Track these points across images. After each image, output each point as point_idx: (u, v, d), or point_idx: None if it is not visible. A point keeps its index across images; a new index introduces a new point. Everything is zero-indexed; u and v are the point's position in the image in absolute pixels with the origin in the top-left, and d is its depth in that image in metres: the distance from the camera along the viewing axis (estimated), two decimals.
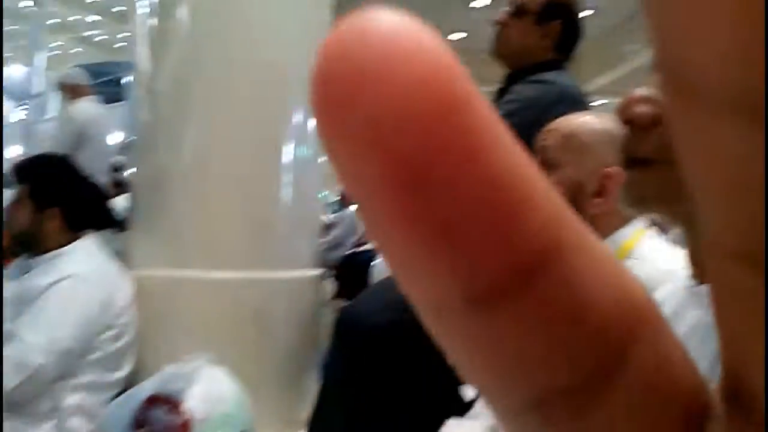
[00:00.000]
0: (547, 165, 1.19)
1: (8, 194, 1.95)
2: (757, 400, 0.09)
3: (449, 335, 0.10)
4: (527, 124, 1.57)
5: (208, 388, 1.72)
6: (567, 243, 0.10)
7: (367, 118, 0.09)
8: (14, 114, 10.97)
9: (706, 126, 0.08)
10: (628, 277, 0.11)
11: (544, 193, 0.10)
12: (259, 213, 2.27)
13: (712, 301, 0.10)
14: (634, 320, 0.11)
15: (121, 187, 3.96)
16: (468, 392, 2.09)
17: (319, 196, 2.66)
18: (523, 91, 1.78)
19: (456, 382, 2.12)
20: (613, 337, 0.10)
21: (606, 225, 1.17)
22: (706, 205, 0.09)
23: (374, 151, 0.09)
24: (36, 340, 1.70)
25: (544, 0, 1.84)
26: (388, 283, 1.97)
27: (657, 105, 0.58)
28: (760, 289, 0.09)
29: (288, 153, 2.34)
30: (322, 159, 2.51)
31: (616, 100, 0.71)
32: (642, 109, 0.60)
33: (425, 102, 0.09)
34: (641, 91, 0.60)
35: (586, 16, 2.02)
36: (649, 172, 0.63)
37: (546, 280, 0.10)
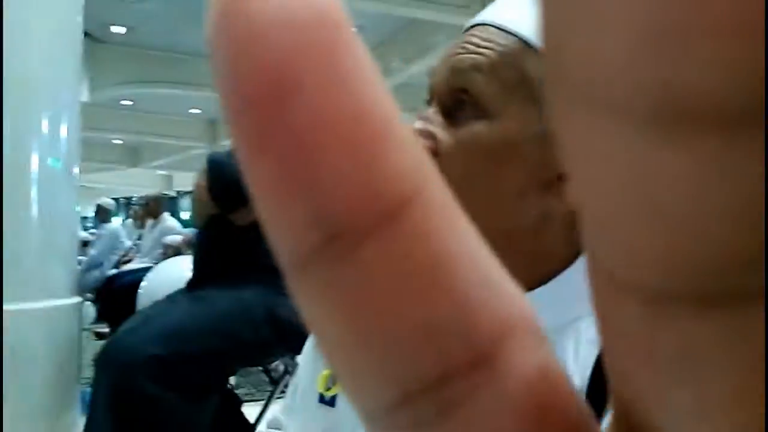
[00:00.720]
0: None
1: None
2: None
3: (313, 296, 0.10)
4: None
5: None
6: (429, 193, 0.10)
7: (249, 17, 0.09)
8: None
9: (602, 138, 0.07)
10: (502, 273, 0.10)
11: (408, 136, 0.10)
12: (3, 236, 2.03)
13: (601, 335, 0.09)
14: (508, 317, 0.10)
15: None
16: (249, 414, 2.05)
17: (74, 211, 2.45)
18: None
19: (238, 407, 2.09)
20: (482, 326, 0.10)
21: None
22: (594, 231, 0.08)
23: (249, 54, 0.09)
24: None
25: None
26: (159, 311, 1.88)
27: (432, 138, 0.60)
28: (662, 323, 0.08)
29: (36, 166, 2.13)
30: (76, 170, 2.34)
31: None
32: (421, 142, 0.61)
33: (308, 15, 0.09)
34: (418, 125, 0.61)
35: None
36: None
37: (404, 228, 0.09)
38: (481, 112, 0.58)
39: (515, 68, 0.57)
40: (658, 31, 0.06)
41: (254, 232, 1.88)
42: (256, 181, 0.09)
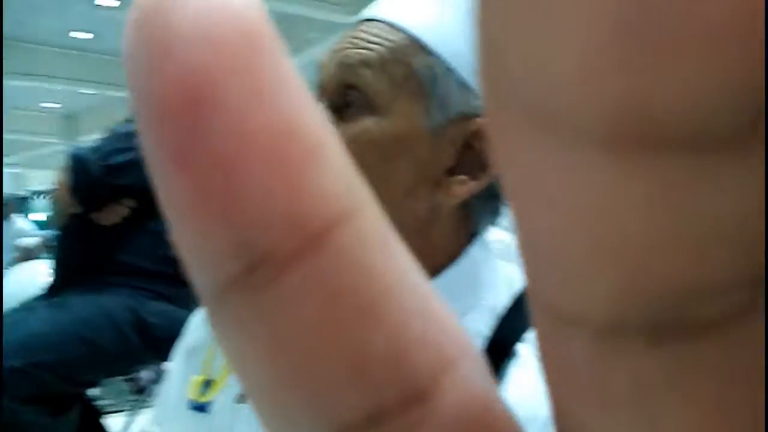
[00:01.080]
0: None
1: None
2: None
3: (232, 328, 0.09)
4: None
5: None
6: (361, 218, 0.09)
7: (168, 27, 0.08)
8: None
9: (549, 160, 0.07)
10: (440, 303, 0.10)
11: (340, 158, 0.09)
12: None
13: (545, 371, 0.09)
14: (446, 349, 0.09)
15: None
16: (112, 426, 1.95)
17: None
18: None
19: (98, 420, 1.99)
20: (419, 360, 0.09)
21: None
22: (537, 262, 0.08)
23: (166, 65, 0.08)
24: None
25: None
26: (14, 320, 1.76)
27: None
28: (612, 358, 0.08)
29: None
30: None
31: None
32: None
33: (230, 28, 0.08)
34: None
35: None
36: None
37: (331, 253, 0.09)
38: (370, 108, 0.58)
39: (404, 64, 0.58)
40: (630, 33, 0.06)
41: (120, 232, 1.81)
42: (171, 202, 0.09)
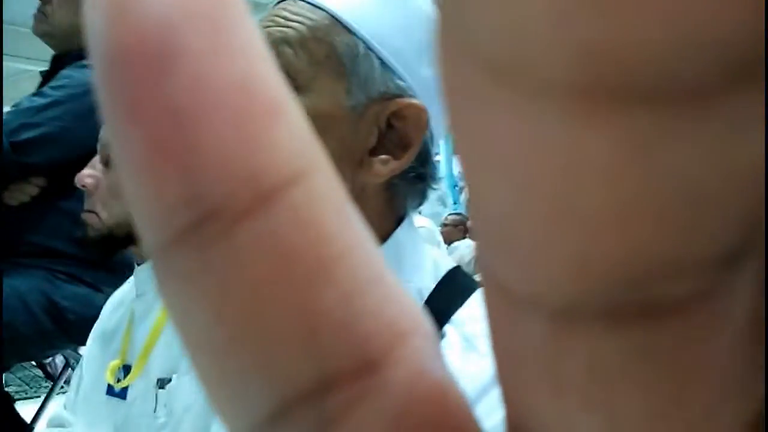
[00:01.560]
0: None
1: None
2: None
3: (179, 284, 0.09)
4: (83, 112, 1.49)
5: None
6: (316, 179, 0.09)
7: None
8: None
9: (506, 117, 0.06)
10: (393, 275, 0.09)
11: (298, 119, 0.09)
12: None
13: (496, 356, 0.09)
14: (399, 322, 0.09)
15: None
16: (23, 413, 1.89)
17: None
18: (74, 75, 1.67)
19: (11, 406, 1.92)
20: (370, 330, 0.09)
21: None
22: (488, 237, 0.08)
23: (128, 14, 0.08)
24: None
25: None
26: None
27: None
28: (568, 342, 0.07)
29: None
30: None
31: None
32: None
33: None
34: None
35: None
36: None
37: (283, 210, 0.09)
38: (291, 87, 0.58)
39: (324, 43, 0.59)
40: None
41: (29, 212, 1.73)
42: (124, 150, 0.09)
